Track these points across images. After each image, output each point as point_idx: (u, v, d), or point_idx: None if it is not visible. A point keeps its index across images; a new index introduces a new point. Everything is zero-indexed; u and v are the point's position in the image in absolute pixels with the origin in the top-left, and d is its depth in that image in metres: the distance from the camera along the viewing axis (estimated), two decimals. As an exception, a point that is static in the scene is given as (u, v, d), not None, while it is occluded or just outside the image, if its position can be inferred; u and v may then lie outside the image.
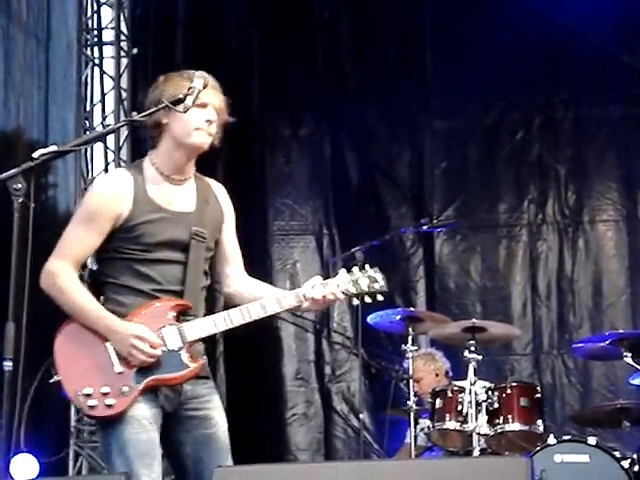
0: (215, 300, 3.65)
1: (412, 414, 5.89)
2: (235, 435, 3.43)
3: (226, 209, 3.54)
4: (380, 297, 3.44)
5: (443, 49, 7.39)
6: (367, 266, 3.44)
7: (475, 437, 5.38)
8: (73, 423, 6.98)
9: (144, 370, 3.25)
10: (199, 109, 3.30)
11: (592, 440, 5.21)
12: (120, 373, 3.24)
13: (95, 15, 7.66)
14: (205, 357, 3.43)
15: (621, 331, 5.56)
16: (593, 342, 5.67)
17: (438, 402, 5.61)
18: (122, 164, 7.21)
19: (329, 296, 3.36)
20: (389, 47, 7.49)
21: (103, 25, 7.72)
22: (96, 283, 3.39)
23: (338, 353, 7.35)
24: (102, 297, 3.37)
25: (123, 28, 7.70)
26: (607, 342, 5.45)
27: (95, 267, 3.43)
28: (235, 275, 3.52)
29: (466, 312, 6.89)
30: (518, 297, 7.17)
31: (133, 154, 7.28)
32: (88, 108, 7.53)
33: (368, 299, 3.43)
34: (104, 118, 7.56)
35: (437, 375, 6.20)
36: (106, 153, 7.49)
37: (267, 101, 7.54)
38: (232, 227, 3.55)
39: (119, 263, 3.35)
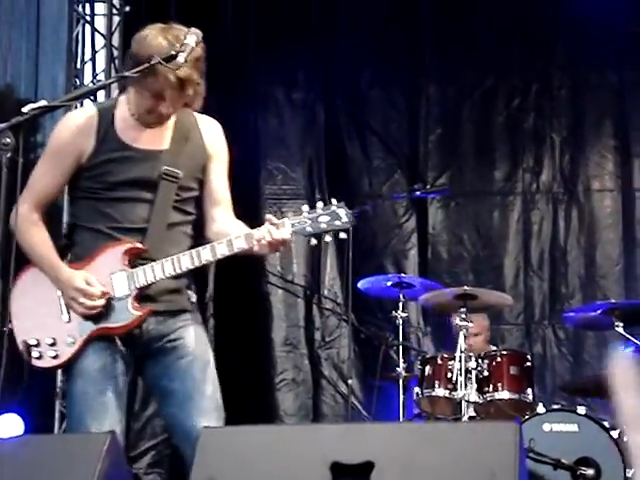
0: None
1: (401, 381, 5.88)
2: (223, 399, 3.39)
3: (214, 147, 3.39)
4: (343, 235, 3.25)
5: (440, 14, 7.29)
6: (334, 200, 3.27)
7: (464, 405, 5.38)
8: (59, 384, 6.93)
9: (90, 319, 3.19)
10: (152, 98, 3.18)
11: (581, 410, 5.20)
12: (68, 322, 3.20)
13: (87, -29, 7.52)
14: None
15: (613, 301, 5.53)
16: (585, 311, 5.65)
17: (427, 369, 5.60)
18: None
19: (279, 237, 3.15)
20: (385, 11, 7.38)
21: (95, -19, 7.59)
22: (69, 226, 3.35)
23: (328, 319, 7.30)
24: (71, 240, 3.32)
25: (115, -15, 7.56)
26: (599, 312, 5.42)
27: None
28: (220, 218, 3.38)
29: (458, 281, 6.83)
30: (510, 266, 7.11)
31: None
32: (79, 66, 7.41)
33: (328, 237, 3.24)
34: (95, 76, 7.43)
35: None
36: (96, 111, 7.37)
37: (261, 62, 7.43)
38: (221, 167, 3.41)
39: (84, 203, 3.28)
